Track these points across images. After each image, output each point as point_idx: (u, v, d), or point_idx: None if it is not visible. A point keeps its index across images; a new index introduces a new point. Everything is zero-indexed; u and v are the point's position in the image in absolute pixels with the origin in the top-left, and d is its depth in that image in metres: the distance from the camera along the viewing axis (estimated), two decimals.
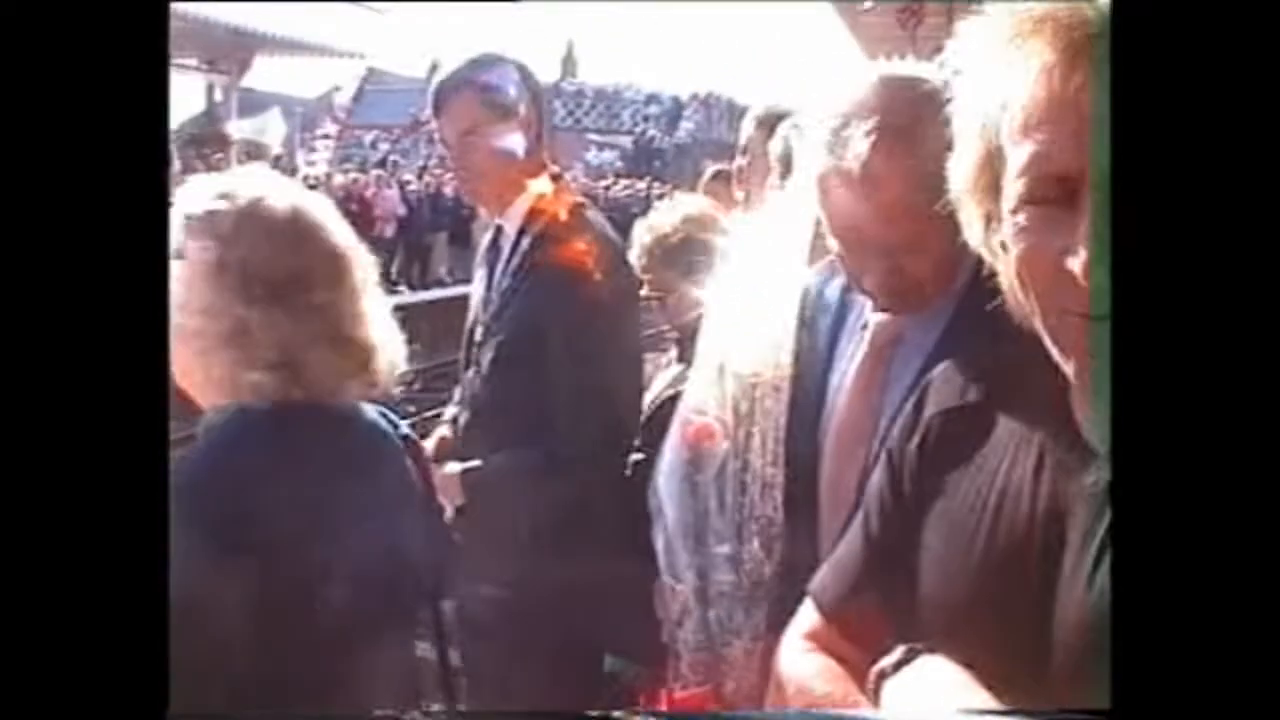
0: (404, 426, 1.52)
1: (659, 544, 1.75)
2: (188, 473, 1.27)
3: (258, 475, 1.31)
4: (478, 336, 2.45)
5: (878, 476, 1.13)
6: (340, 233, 1.41)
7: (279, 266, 1.34)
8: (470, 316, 2.53)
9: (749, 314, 1.66)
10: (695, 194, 3.12)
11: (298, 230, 1.36)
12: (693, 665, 1.69)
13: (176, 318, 1.30)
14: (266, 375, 1.33)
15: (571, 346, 2.31)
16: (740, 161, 3.09)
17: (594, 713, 2.34)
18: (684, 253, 2.54)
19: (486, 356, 2.42)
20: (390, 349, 1.44)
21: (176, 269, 1.31)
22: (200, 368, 1.34)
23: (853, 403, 1.55)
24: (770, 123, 3.04)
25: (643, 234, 2.65)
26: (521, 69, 2.48)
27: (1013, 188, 0.88)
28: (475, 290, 2.56)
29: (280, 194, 1.37)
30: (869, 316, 1.56)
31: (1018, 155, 0.87)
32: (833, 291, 1.65)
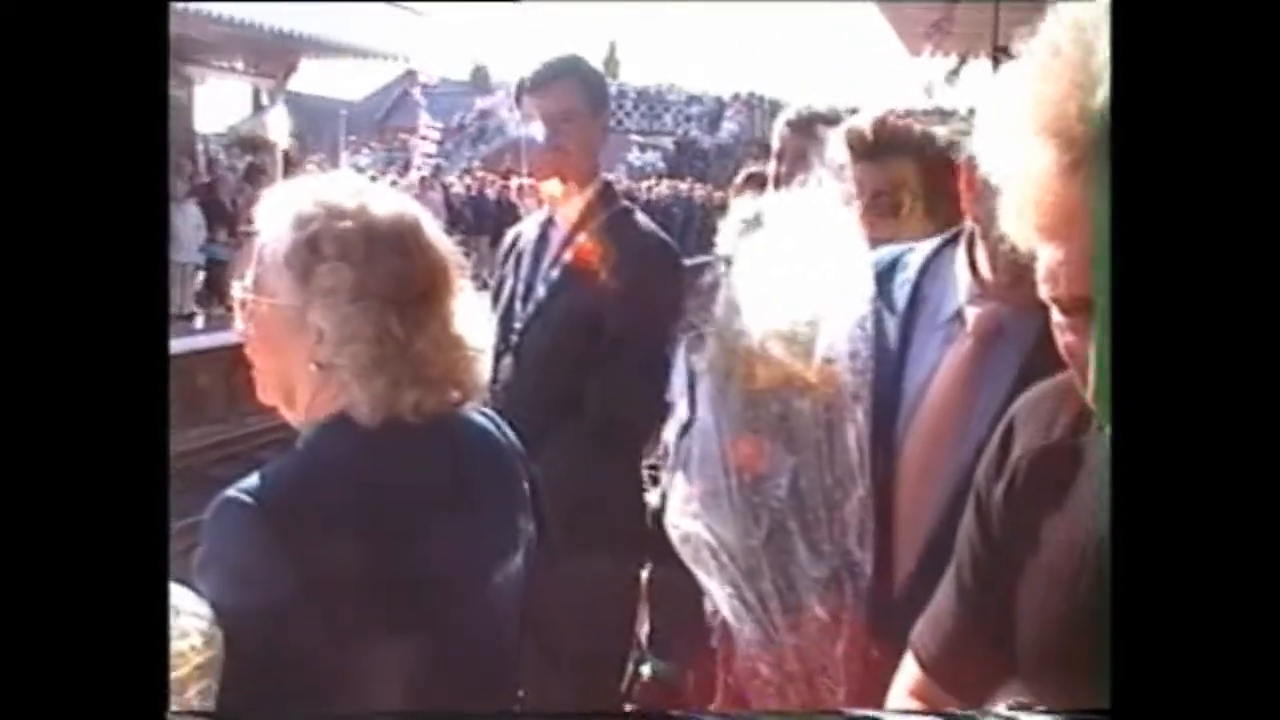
0: (510, 432, 1.51)
1: (709, 574, 1.61)
2: (297, 484, 1.28)
3: (385, 485, 1.31)
4: (517, 324, 2.48)
5: (967, 522, 1.09)
6: (443, 236, 1.40)
7: (417, 279, 1.33)
8: (502, 304, 2.54)
9: (800, 318, 1.56)
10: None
11: (419, 240, 1.35)
12: (784, 693, 1.56)
13: (311, 349, 1.30)
14: (423, 390, 1.32)
15: (626, 340, 2.36)
16: (776, 166, 3.05)
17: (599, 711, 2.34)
18: None
19: (531, 344, 2.44)
20: (488, 350, 1.44)
21: (295, 295, 1.30)
22: (335, 388, 1.32)
23: (948, 398, 1.48)
24: (805, 125, 3.00)
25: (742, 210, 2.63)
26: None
27: (1040, 287, 0.85)
28: (508, 279, 2.57)
29: (384, 203, 1.35)
30: (964, 307, 1.50)
31: (1040, 253, 0.83)
32: (900, 288, 1.58)
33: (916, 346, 1.54)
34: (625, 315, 2.40)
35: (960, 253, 1.55)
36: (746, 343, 1.58)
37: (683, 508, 1.63)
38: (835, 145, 1.69)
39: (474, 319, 1.41)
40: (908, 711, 1.16)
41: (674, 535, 1.63)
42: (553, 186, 2.49)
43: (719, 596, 1.59)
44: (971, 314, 1.49)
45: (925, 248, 1.64)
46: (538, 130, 2.49)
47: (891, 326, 1.56)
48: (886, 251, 1.66)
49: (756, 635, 1.55)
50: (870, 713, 1.10)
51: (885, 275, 1.60)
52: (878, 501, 1.50)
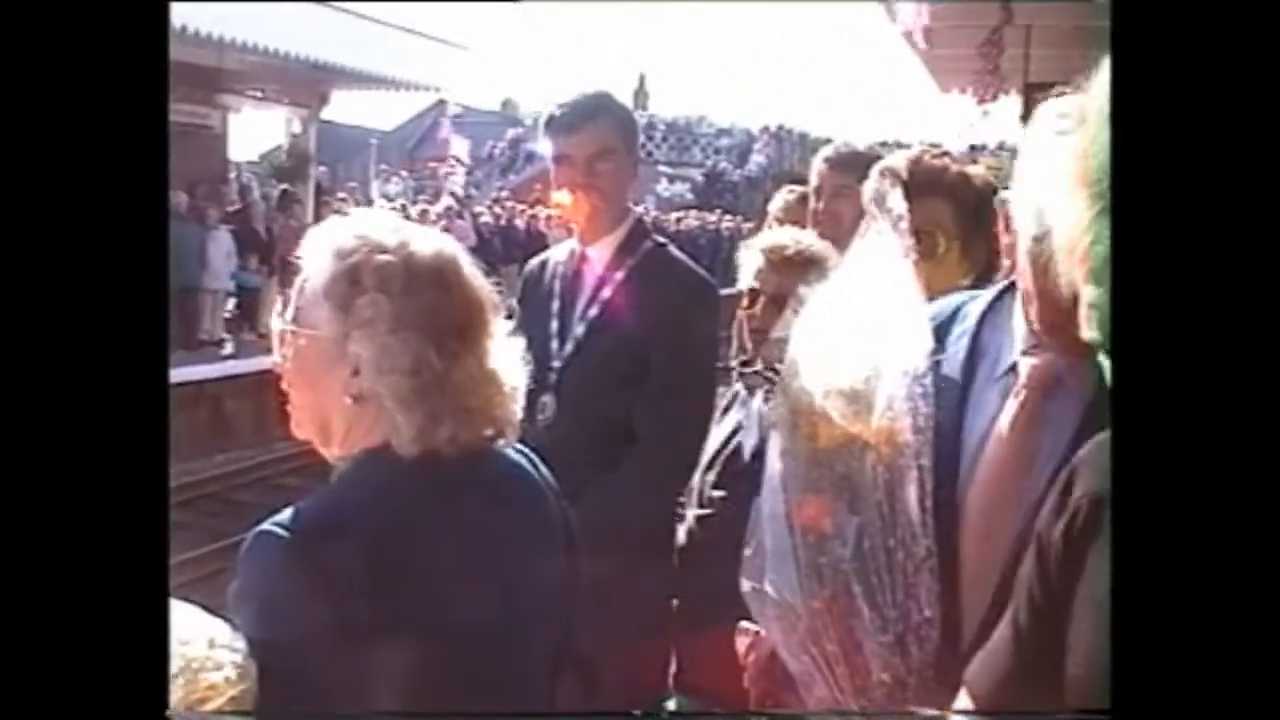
0: (544, 469, 1.51)
1: (777, 634, 1.61)
2: (331, 518, 1.28)
3: (420, 520, 1.31)
4: (555, 363, 2.46)
5: (1027, 563, 1.09)
6: (480, 274, 1.41)
7: (455, 313, 1.33)
8: (537, 341, 2.52)
9: (873, 374, 1.52)
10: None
11: (458, 276, 1.36)
12: None
13: (347, 382, 1.31)
14: (458, 424, 1.32)
15: (666, 378, 2.35)
16: (813, 201, 3.04)
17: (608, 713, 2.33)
18: (816, 269, 2.52)
19: (572, 383, 2.44)
20: (522, 387, 1.44)
21: (333, 326, 1.31)
22: (370, 421, 1.32)
23: (1005, 453, 1.44)
24: (844, 162, 2.99)
25: (780, 238, 2.62)
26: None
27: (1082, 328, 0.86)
28: (539, 315, 2.55)
29: (423, 239, 1.36)
30: (1017, 359, 1.46)
31: (1082, 294, 0.84)
32: (958, 339, 1.55)
33: (975, 400, 1.50)
34: (669, 353, 2.40)
35: (1018, 302, 1.50)
36: (808, 400, 1.55)
37: (751, 562, 1.62)
38: (895, 196, 1.66)
39: (509, 357, 1.41)
40: (915, 712, 1.16)
41: (745, 589, 1.62)
42: (562, 196, 2.48)
43: (785, 655, 1.58)
44: (1026, 365, 1.45)
45: (985, 297, 1.60)
46: (565, 169, 2.49)
47: (952, 380, 1.52)
48: (947, 301, 1.63)
49: (825, 695, 1.52)
50: (880, 712, 1.10)
51: (945, 326, 1.57)
52: (942, 561, 1.46)
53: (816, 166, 3.06)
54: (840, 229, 2.88)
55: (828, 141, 3.26)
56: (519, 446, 1.47)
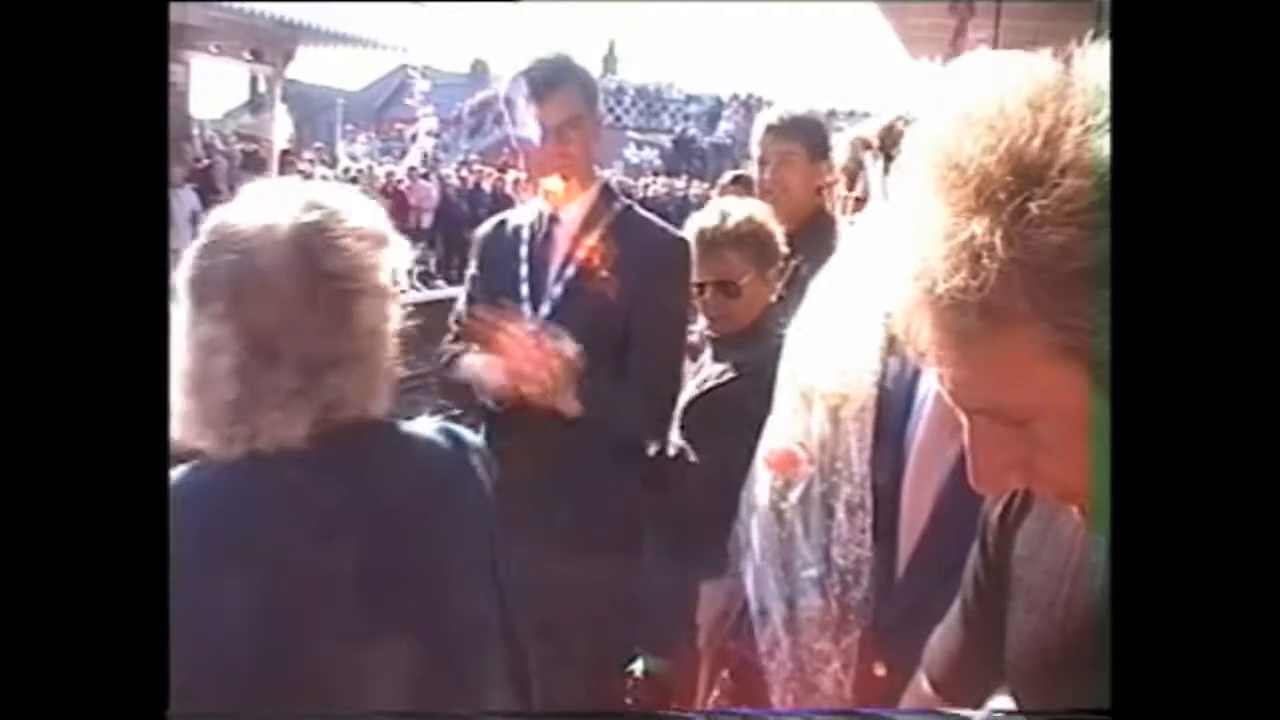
0: (466, 435, 1.45)
1: (748, 575, 1.70)
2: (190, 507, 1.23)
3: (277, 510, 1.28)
4: (531, 327, 2.47)
5: (974, 550, 1.11)
6: (356, 246, 1.29)
7: (268, 294, 1.24)
8: (510, 307, 2.52)
9: (834, 334, 1.60)
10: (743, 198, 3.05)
11: (296, 250, 1.25)
12: (784, 696, 1.63)
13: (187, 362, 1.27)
14: (292, 415, 1.25)
15: (644, 337, 2.37)
16: (759, 171, 3.03)
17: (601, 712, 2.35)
18: (751, 241, 2.55)
19: None
20: (381, 362, 1.34)
21: (186, 315, 1.25)
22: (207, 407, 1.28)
23: (937, 411, 1.49)
24: (786, 129, 2.99)
25: (708, 220, 2.63)
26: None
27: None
28: (504, 279, 2.54)
29: (290, 209, 1.27)
30: None
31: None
32: None
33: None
34: (649, 313, 2.42)
35: None
36: (797, 361, 1.65)
37: (741, 512, 1.72)
38: (877, 168, 1.72)
39: (379, 333, 1.32)
40: (906, 712, 1.18)
41: (740, 539, 1.72)
42: (554, 183, 2.48)
43: (750, 589, 1.68)
44: None
45: None
46: (534, 131, 2.48)
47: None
48: None
49: (764, 634, 1.59)
50: (871, 712, 1.11)
51: None
52: (884, 511, 1.54)
53: (757, 135, 3.03)
54: (788, 196, 2.89)
55: None
56: (445, 425, 1.42)
